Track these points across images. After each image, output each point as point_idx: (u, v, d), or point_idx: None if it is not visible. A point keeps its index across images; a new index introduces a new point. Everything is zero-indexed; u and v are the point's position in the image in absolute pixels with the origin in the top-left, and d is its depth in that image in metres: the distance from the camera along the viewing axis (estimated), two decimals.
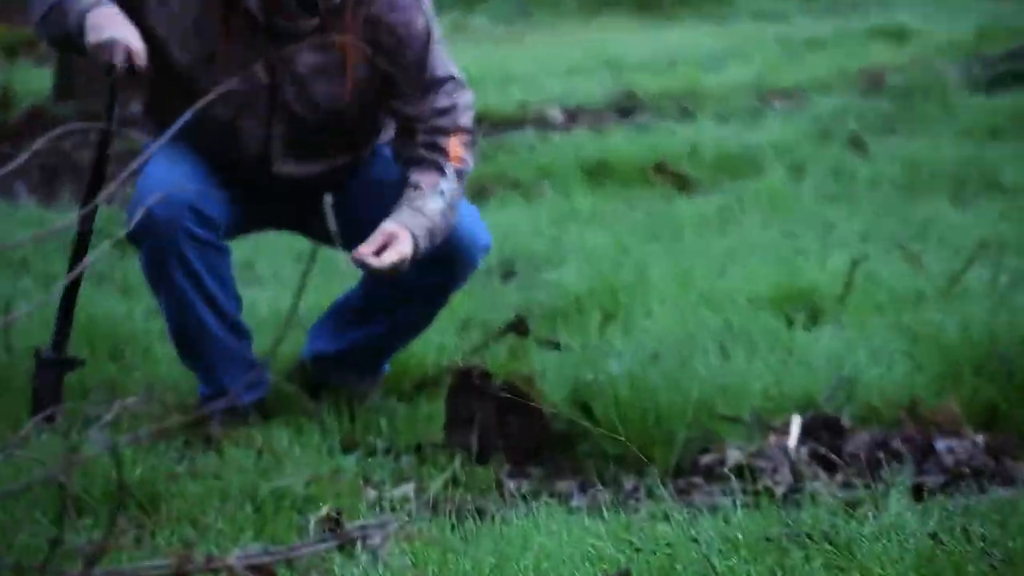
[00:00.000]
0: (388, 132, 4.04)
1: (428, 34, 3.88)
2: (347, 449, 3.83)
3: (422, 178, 3.83)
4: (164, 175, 3.82)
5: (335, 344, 4.12)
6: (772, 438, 3.57)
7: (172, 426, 3.62)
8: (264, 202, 4.01)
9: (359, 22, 3.83)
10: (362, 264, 3.67)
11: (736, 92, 9.26)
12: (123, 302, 4.98)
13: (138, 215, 3.77)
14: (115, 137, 3.84)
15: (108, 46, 3.65)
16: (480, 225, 3.97)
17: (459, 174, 3.86)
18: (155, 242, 3.79)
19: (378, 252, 3.69)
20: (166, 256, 3.80)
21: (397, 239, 3.70)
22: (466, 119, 3.91)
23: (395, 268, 3.69)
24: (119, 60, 3.65)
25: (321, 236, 4.06)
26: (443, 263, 3.89)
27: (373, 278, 3.83)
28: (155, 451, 3.65)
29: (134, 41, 3.66)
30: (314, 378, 4.13)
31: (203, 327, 3.89)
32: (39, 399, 3.88)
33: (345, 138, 3.93)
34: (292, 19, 3.79)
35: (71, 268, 3.90)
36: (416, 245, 3.72)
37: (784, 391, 3.85)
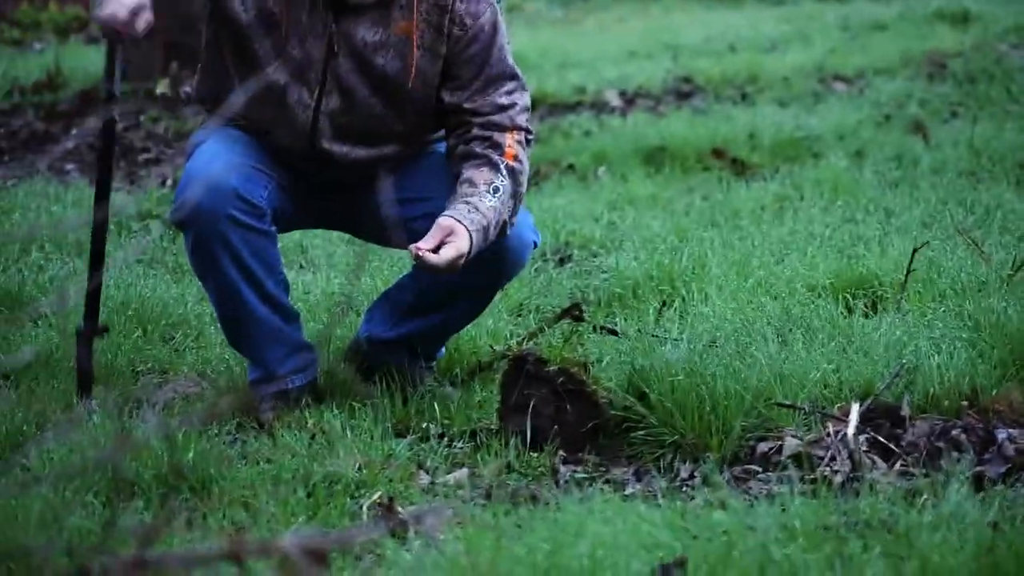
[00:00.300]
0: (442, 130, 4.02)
1: (495, 28, 3.86)
2: (400, 434, 3.82)
3: (476, 174, 3.80)
4: (212, 160, 3.81)
5: (391, 331, 4.10)
6: (830, 426, 3.53)
7: (224, 409, 3.62)
8: (313, 191, 3.99)
9: (424, 5, 3.81)
10: (421, 260, 3.65)
11: (796, 76, 9.18)
12: (175, 285, 4.98)
13: (184, 202, 3.77)
14: (118, 101, 3.87)
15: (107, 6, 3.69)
16: (527, 223, 3.95)
17: (512, 172, 3.83)
18: (200, 229, 3.78)
19: (436, 248, 3.67)
20: (211, 243, 3.79)
21: (455, 234, 3.68)
22: (523, 119, 3.90)
23: (453, 264, 3.67)
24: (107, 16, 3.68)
25: (370, 234, 4.05)
26: (492, 262, 3.88)
27: (429, 272, 3.80)
28: (207, 434, 3.64)
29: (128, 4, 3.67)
30: (369, 359, 4.11)
31: (250, 312, 3.88)
32: (78, 373, 3.93)
33: (395, 123, 3.91)
34: None
35: (93, 241, 3.92)
36: (471, 241, 3.70)
37: (843, 379, 3.81)
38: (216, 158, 3.81)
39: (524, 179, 3.88)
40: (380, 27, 3.82)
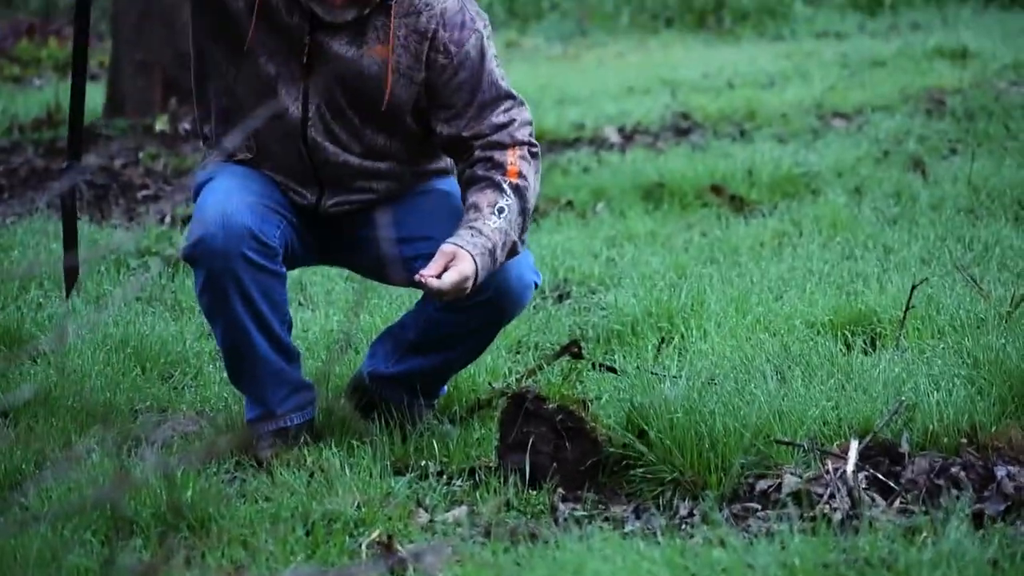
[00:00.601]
0: (442, 161, 4.03)
1: (482, 55, 3.85)
2: (399, 472, 3.81)
3: (480, 197, 3.81)
4: (226, 198, 3.80)
5: (393, 367, 4.10)
6: (830, 464, 3.52)
7: (223, 448, 3.61)
8: (316, 223, 4.00)
9: (403, 31, 3.81)
10: (424, 285, 3.66)
11: (795, 112, 9.19)
12: (174, 323, 4.98)
13: (198, 239, 3.76)
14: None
15: None
16: (528, 264, 3.95)
17: (516, 190, 3.83)
18: (213, 268, 3.78)
19: (439, 274, 3.68)
20: (223, 282, 3.79)
21: (457, 259, 3.69)
22: (524, 133, 3.89)
23: (457, 288, 3.67)
24: None
25: (370, 270, 4.05)
26: (493, 303, 3.89)
27: (436, 299, 3.80)
28: (206, 473, 3.64)
29: None
30: (370, 394, 4.11)
31: (255, 351, 3.88)
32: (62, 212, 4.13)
33: (375, 136, 3.90)
34: (328, 8, 3.78)
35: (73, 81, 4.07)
36: (476, 265, 3.70)
37: (842, 416, 3.81)
38: (230, 196, 3.81)
39: (531, 195, 3.87)
40: (353, 47, 3.83)
